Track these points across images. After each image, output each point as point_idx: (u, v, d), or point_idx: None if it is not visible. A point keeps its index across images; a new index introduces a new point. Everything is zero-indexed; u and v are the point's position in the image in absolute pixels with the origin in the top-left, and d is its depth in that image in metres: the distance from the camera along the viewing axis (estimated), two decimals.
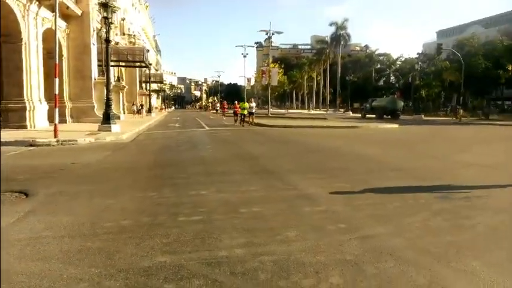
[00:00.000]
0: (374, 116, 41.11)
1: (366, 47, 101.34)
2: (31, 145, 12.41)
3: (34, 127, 18.29)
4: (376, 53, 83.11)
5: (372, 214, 4.81)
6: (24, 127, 17.72)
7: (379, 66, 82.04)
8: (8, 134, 14.29)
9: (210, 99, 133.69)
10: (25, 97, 18.20)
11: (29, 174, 7.51)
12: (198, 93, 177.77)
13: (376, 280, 3.05)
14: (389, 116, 39.24)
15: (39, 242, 3.78)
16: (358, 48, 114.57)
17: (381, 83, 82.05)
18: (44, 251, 3.56)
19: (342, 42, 70.91)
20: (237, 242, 3.81)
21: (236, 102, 31.99)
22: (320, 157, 10.35)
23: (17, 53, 17.98)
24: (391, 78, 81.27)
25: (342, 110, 66.50)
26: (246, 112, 25.67)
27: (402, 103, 43.37)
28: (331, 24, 71.36)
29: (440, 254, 3.55)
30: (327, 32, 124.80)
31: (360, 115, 46.96)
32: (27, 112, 18.18)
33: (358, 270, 3.18)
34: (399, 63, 78.24)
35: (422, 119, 42.00)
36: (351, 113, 56.17)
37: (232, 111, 31.44)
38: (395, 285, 2.97)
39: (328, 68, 75.51)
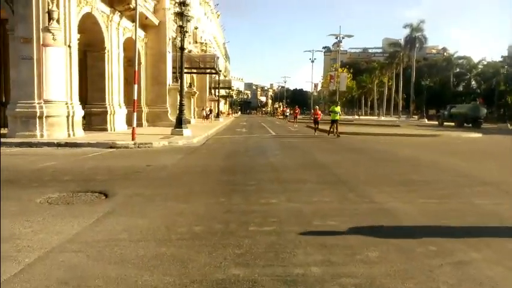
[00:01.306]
0: (453, 124, 38.18)
1: (444, 49, 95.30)
2: (111, 147, 13.21)
3: (114, 130, 19.57)
4: (455, 56, 77.50)
5: (463, 236, 4.28)
6: (105, 130, 19.03)
7: (458, 70, 76.41)
8: (91, 136, 15.40)
9: (276, 105, 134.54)
10: (107, 102, 19.56)
11: (108, 175, 7.92)
12: (263, 99, 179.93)
13: None
14: (470, 125, 36.22)
15: (117, 244, 3.85)
16: (434, 51, 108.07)
17: (460, 88, 76.37)
18: (120, 255, 3.60)
19: (417, 45, 67.19)
20: (313, 259, 3.55)
21: (317, 107, 26.41)
22: (397, 168, 9.68)
23: (100, 60, 19.41)
24: (472, 83, 75.24)
25: (416, 116, 62.93)
26: (338, 117, 20.94)
27: (485, 110, 39.83)
28: (405, 26, 68.04)
29: None
30: (399, 36, 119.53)
31: (436, 122, 43.97)
32: (108, 116, 19.51)
33: None
34: (481, 67, 72.26)
35: (509, 128, 38.23)
36: (426, 120, 52.90)
37: (313, 118, 25.22)
38: None
39: (401, 72, 71.99)
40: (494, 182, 7.73)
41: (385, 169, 9.55)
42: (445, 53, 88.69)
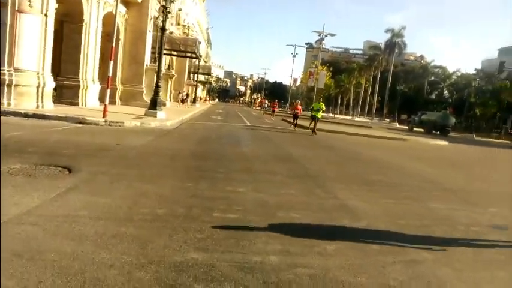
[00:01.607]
0: (422, 130, 39.37)
1: (421, 57, 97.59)
2: (80, 122, 12.86)
3: (85, 105, 19.01)
4: (432, 64, 79.67)
5: (418, 237, 4.46)
6: (76, 104, 18.45)
7: (433, 78, 78.65)
8: (60, 110, 14.93)
9: (254, 96, 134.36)
10: (80, 76, 18.94)
11: (74, 150, 7.72)
12: (242, 89, 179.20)
13: None
14: (438, 132, 37.46)
15: (76, 221, 3.78)
16: (412, 57, 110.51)
17: (433, 96, 78.73)
18: (79, 231, 3.55)
19: (397, 50, 68.65)
20: (272, 248, 3.62)
21: (298, 101, 25.52)
22: (365, 168, 9.92)
23: (77, 33, 18.72)
24: (445, 92, 77.72)
25: (388, 120, 64.44)
26: (320, 115, 20.69)
27: (454, 119, 41.26)
28: (387, 31, 69.40)
29: None
30: (381, 39, 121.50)
31: (406, 127, 45.22)
32: (80, 90, 18.91)
33: None
34: (455, 77, 74.68)
35: (474, 138, 39.79)
36: (397, 124, 54.29)
37: (292, 113, 23.74)
38: None
39: (379, 75, 73.36)
40: (453, 189, 8.06)
41: (353, 168, 9.77)
42: (422, 61, 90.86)
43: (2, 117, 12.08)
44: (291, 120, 23.09)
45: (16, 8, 13.73)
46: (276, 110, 38.17)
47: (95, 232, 3.55)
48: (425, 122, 40.55)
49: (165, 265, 3.04)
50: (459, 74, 74.13)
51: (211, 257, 3.28)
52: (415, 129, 41.37)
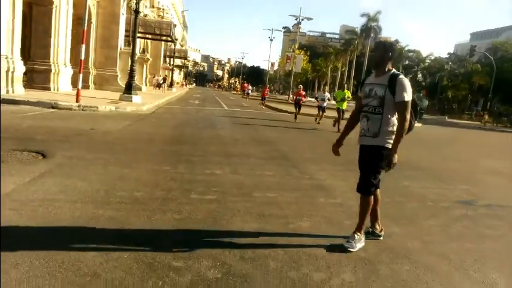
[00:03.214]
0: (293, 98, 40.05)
1: (396, 41, 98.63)
2: (53, 107, 12.55)
3: (57, 90, 18.50)
4: (406, 48, 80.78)
5: (388, 213, 4.64)
6: (48, 89, 17.93)
7: (407, 62, 79.92)
8: (31, 95, 14.49)
9: (232, 80, 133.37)
10: (51, 60, 18.35)
11: (47, 135, 7.57)
12: (220, 73, 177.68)
13: (390, 282, 2.92)
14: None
15: (52, 204, 3.77)
16: None
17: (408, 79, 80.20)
18: (55, 214, 3.54)
19: (372, 35, 69.06)
20: (249, 227, 3.72)
21: (301, 86, 21.14)
22: (341, 148, 10.11)
23: (47, 16, 18.05)
24: (419, 76, 79.24)
25: None
26: (345, 106, 15.68)
27: (427, 102, 42.29)
28: (362, 15, 69.54)
29: (459, 262, 3.39)
30: (357, 24, 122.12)
31: None
32: (51, 75, 18.36)
33: (371, 270, 3.06)
34: (428, 61, 76.10)
35: (446, 120, 40.96)
36: None
37: (294, 99, 19.77)
38: None
39: (355, 59, 73.98)
40: (425, 168, 8.36)
41: (328, 149, 9.93)
42: (397, 45, 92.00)
43: None
44: (294, 110, 18.58)
45: None
46: (267, 96, 33.46)
47: (72, 215, 3.55)
48: None
49: (144, 245, 3.09)
50: (432, 58, 75.61)
51: (189, 236, 3.35)
52: None
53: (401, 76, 3.29)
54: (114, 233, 3.26)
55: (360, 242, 3.39)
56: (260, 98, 33.72)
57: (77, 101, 13.46)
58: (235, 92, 62.14)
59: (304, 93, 19.85)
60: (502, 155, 14.18)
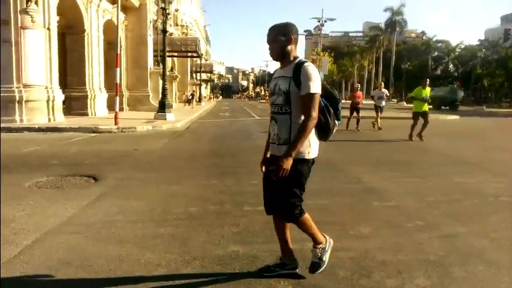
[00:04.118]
0: (431, 106, 39.01)
1: (423, 33, 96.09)
2: (93, 132, 13.02)
3: (95, 115, 19.20)
4: (434, 39, 78.45)
5: (448, 212, 4.48)
6: (86, 114, 18.64)
7: (436, 53, 77.57)
8: (71, 121, 15.12)
9: (257, 89, 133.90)
10: (87, 86, 19.11)
11: (94, 159, 7.84)
12: (245, 83, 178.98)
13: (467, 284, 2.79)
14: (447, 107, 37.09)
15: (114, 225, 3.88)
16: (414, 35, 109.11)
17: (439, 71, 77.63)
18: (119, 235, 3.64)
19: (398, 29, 67.61)
20: (308, 236, 3.66)
21: (359, 86, 17.18)
22: (384, 149, 9.92)
23: (79, 43, 18.87)
24: (450, 66, 76.59)
25: (395, 100, 63.87)
26: (426, 107, 12.07)
27: (462, 93, 40.80)
28: (386, 10, 68.19)
29: None
30: (380, 19, 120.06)
31: None
32: (88, 100, 19.09)
33: (445, 272, 2.94)
34: (459, 50, 73.51)
35: (485, 110, 39.34)
36: (405, 103, 53.77)
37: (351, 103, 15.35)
38: None
39: (381, 56, 72.58)
40: (475, 162, 8.03)
41: (372, 151, 9.77)
42: (424, 37, 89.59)
43: (16, 133, 12.29)
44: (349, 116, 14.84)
45: (19, 25, 13.89)
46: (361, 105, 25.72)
47: (135, 235, 3.64)
48: (433, 98, 40.17)
49: (209, 259, 3.12)
50: (463, 47, 72.99)
51: (252, 249, 3.35)
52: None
53: (308, 63, 2.57)
54: (178, 249, 3.31)
55: (325, 253, 2.84)
56: None
57: (115, 124, 13.91)
58: (263, 101, 61.99)
59: (361, 93, 15.88)
60: None
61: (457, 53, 73.19)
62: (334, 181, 6.04)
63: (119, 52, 15.44)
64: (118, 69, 14.88)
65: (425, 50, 76.72)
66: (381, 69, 72.61)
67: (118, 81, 15.09)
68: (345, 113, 14.96)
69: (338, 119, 2.77)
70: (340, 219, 4.20)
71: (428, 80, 12.32)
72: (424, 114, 11.83)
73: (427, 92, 12.03)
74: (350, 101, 15.51)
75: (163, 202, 4.74)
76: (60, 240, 3.51)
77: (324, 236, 2.93)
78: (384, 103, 15.42)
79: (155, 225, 3.91)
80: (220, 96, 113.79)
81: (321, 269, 2.79)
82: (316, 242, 2.88)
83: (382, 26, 71.60)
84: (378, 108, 15.25)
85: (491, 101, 53.90)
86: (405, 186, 5.74)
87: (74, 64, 19.01)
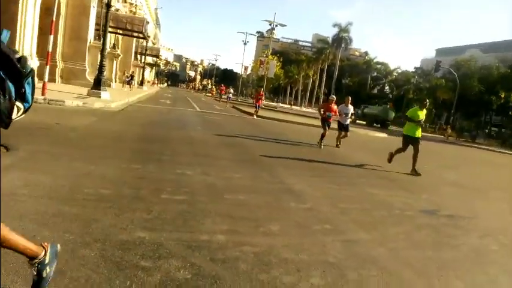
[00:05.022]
0: (364, 122, 41.32)
1: (366, 53, 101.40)
2: None
3: None
4: (375, 60, 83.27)
5: (356, 219, 4.76)
6: None
7: (375, 74, 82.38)
8: None
9: (205, 81, 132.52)
10: (16, 50, 17.57)
11: (10, 128, 7.20)
12: (192, 74, 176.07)
13: (358, 286, 2.98)
14: (379, 125, 39.51)
15: (15, 199, 3.60)
16: (357, 53, 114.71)
17: (375, 91, 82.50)
18: (18, 210, 3.38)
19: (343, 45, 70.85)
20: (220, 228, 3.70)
21: (333, 97, 13.42)
22: (310, 154, 10.28)
23: (13, 4, 17.27)
24: (386, 88, 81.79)
25: None
26: (419, 134, 9.98)
27: (394, 114, 43.70)
28: (334, 26, 71.21)
29: (423, 269, 3.51)
30: (329, 33, 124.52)
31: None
32: None
33: (340, 274, 3.11)
34: (395, 74, 78.76)
35: None
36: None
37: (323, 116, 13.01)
38: None
39: (326, 68, 75.51)
40: (391, 177, 8.61)
41: (299, 154, 10.07)
42: (366, 57, 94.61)
43: None
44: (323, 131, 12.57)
45: None
46: (262, 103, 25.99)
47: (36, 211, 3.41)
48: (367, 115, 42.66)
49: (111, 243, 3.01)
50: (399, 71, 78.30)
51: (159, 236, 3.29)
52: (357, 121, 43.22)
53: None
54: (80, 230, 3.15)
55: (44, 267, 2.19)
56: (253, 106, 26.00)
57: (42, 94, 12.94)
58: (209, 95, 61.41)
59: (335, 107, 13.03)
60: (463, 167, 14.83)
61: (393, 77, 78.28)
62: (257, 179, 6.14)
63: (55, 19, 14.40)
64: (51, 36, 13.88)
65: (366, 69, 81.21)
66: (324, 80, 75.52)
67: (50, 50, 14.10)
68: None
69: (23, 100, 1.95)
70: (255, 215, 4.27)
71: (427, 101, 10.47)
72: (416, 141, 9.76)
73: (423, 114, 9.91)
74: (323, 113, 12.93)
75: (74, 180, 4.49)
76: None
77: (44, 247, 2.24)
78: (348, 121, 13.26)
79: (60, 203, 3.68)
80: (166, 83, 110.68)
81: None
82: (30, 257, 2.18)
83: (330, 40, 74.50)
84: (341, 127, 13.25)
85: None
86: (322, 191, 6.00)
87: (5, 26, 17.33)
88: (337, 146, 13.13)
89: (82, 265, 2.61)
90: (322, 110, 13.28)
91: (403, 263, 3.59)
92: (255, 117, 22.55)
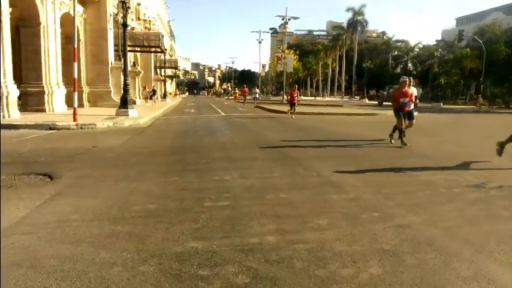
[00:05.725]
0: (391, 103, 40.39)
1: (383, 33, 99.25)
2: (51, 128, 12.50)
3: (52, 111, 18.44)
4: (394, 39, 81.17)
5: (403, 203, 4.66)
6: (43, 111, 17.88)
7: (396, 53, 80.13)
8: (28, 118, 14.43)
9: (224, 85, 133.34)
10: (43, 81, 18.31)
11: (50, 157, 7.54)
12: (211, 79, 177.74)
13: (418, 271, 2.92)
14: None
15: (69, 225, 3.75)
16: (375, 34, 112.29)
17: (398, 70, 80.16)
18: (74, 235, 3.52)
19: (359, 29, 69.45)
20: (268, 229, 3.71)
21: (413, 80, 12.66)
22: (342, 144, 10.15)
23: (35, 37, 18.02)
24: (409, 65, 79.40)
25: (358, 97, 65.57)
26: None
27: (420, 90, 42.40)
28: (348, 10, 69.92)
29: (482, 245, 3.39)
30: (343, 18, 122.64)
31: (376, 102, 46.18)
32: (45, 96, 18.31)
33: (397, 261, 3.06)
34: (417, 50, 76.34)
35: (441, 107, 41.15)
36: (366, 100, 55.37)
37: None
38: (439, 277, 2.83)
39: (344, 54, 74.25)
40: (429, 155, 8.39)
41: (331, 145, 9.96)
42: (384, 37, 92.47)
43: None
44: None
45: None
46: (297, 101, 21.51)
47: (90, 234, 3.53)
48: None
49: (167, 257, 3.08)
50: (421, 46, 75.89)
51: (211, 244, 3.34)
52: (384, 103, 42.28)
53: None
54: (135, 247, 3.24)
55: None
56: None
57: (74, 120, 13.42)
58: (232, 98, 61.53)
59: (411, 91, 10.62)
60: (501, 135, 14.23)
61: (415, 53, 75.96)
62: (294, 175, 6.12)
63: (76, 46, 14.88)
64: (75, 63, 14.34)
65: (386, 49, 79.18)
66: (344, 67, 74.30)
67: (76, 76, 14.56)
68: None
69: None
70: (300, 211, 4.26)
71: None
72: (410, 115, 10.13)
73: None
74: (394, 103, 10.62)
75: (121, 200, 4.62)
76: (11, 241, 3.35)
77: None
78: (412, 106, 10.81)
79: (111, 223, 3.81)
80: (187, 93, 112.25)
81: None
82: None
83: (345, 25, 73.20)
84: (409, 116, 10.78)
85: (447, 98, 56.38)
86: (363, 179, 5.91)
87: (30, 58, 18.15)
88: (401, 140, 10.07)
89: (143, 281, 2.68)
90: (394, 98, 10.57)
91: (461, 240, 3.49)
92: (293, 116, 19.97)
